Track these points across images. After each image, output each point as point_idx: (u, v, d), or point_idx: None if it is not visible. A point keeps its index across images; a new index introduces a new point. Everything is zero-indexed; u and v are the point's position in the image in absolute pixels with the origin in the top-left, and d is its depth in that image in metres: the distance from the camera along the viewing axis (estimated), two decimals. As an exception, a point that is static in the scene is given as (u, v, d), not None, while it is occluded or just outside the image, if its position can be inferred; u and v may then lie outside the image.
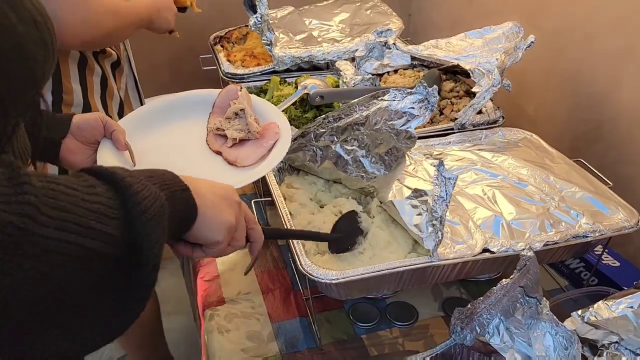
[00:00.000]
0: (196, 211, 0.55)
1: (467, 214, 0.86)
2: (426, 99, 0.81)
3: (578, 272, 0.98)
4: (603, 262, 0.97)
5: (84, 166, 0.48)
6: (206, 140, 0.90)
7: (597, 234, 0.83)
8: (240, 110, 0.89)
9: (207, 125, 0.91)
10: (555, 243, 0.81)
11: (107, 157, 0.79)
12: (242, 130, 0.88)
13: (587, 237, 0.83)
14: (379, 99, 0.84)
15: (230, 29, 1.56)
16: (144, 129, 0.88)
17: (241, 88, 0.93)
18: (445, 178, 0.71)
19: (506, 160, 1.00)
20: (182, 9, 1.35)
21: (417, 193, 0.79)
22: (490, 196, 0.91)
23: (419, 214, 0.78)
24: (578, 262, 0.98)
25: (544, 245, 0.80)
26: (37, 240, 0.38)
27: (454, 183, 0.71)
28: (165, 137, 0.89)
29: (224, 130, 0.89)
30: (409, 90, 0.81)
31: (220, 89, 0.95)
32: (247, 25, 1.24)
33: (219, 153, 0.87)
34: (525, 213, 0.87)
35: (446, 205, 0.72)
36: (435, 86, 0.81)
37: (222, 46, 1.50)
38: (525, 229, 0.84)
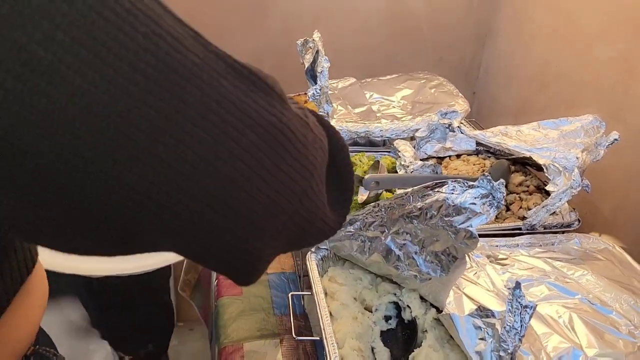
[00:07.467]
0: None
1: (538, 342, 0.72)
2: (491, 194, 0.70)
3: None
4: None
5: None
6: None
7: (703, 389, 0.67)
8: None
9: None
10: (650, 395, 0.66)
11: None
12: None
13: (690, 391, 0.67)
14: (435, 190, 0.74)
15: (289, 95, 1.52)
16: None
17: None
18: (521, 306, 0.59)
19: (584, 276, 0.87)
20: None
21: (483, 312, 0.67)
22: (567, 320, 0.77)
23: (483, 339, 0.65)
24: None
25: (636, 397, 0.66)
26: None
27: (532, 313, 0.59)
28: None
29: None
30: (470, 183, 0.71)
31: None
32: (306, 94, 1.18)
33: None
34: (610, 348, 0.73)
35: (519, 339, 0.60)
36: (502, 180, 0.69)
37: (277, 112, 1.45)
38: (610, 369, 0.70)
